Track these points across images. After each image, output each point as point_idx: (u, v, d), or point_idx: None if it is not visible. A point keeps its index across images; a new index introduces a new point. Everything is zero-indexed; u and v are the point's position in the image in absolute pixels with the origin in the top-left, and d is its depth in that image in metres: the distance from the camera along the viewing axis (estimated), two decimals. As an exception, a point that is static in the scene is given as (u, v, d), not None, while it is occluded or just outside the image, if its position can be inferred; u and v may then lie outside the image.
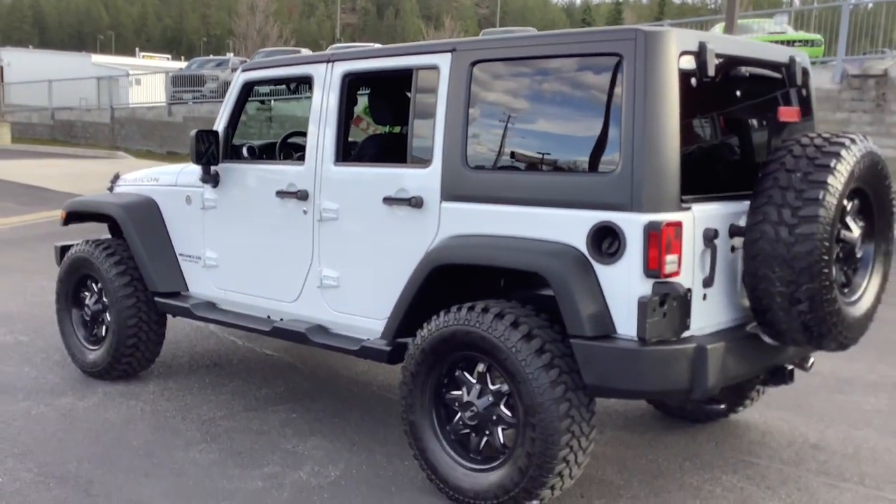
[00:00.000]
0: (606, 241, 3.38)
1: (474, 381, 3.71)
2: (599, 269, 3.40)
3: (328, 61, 4.44)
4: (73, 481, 3.98)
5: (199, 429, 4.66)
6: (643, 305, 3.25)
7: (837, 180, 3.36)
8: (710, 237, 3.44)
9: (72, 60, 55.08)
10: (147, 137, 28.22)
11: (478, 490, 3.65)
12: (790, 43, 17.58)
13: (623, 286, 3.34)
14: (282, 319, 4.65)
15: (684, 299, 3.34)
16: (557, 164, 3.63)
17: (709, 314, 3.53)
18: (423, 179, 3.94)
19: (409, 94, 4.19)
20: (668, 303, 3.29)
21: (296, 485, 3.98)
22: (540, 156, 3.69)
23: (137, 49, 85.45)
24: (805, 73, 4.14)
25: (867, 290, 3.78)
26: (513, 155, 3.76)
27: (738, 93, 3.82)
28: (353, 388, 5.40)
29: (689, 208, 3.38)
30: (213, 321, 5.02)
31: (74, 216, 5.79)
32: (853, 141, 3.50)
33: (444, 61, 3.92)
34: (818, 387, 5.53)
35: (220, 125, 4.94)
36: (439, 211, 3.89)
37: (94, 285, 5.50)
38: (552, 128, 3.67)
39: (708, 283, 3.48)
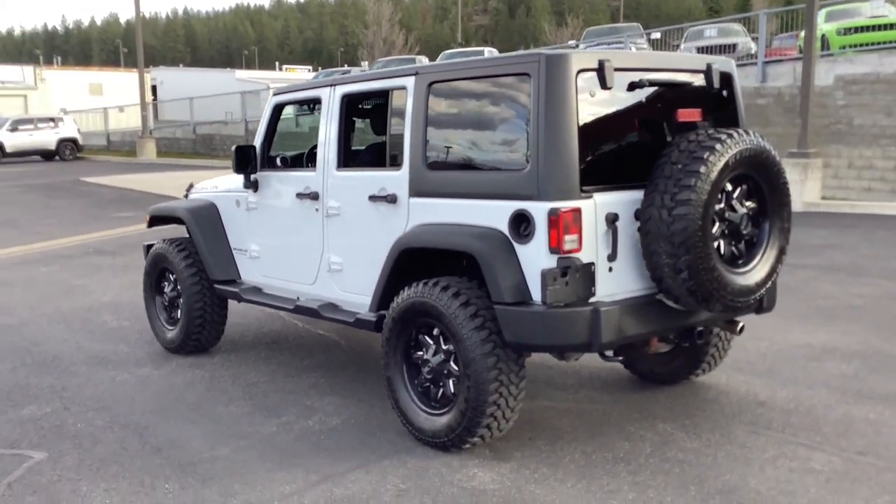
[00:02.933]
0: (522, 225, 4.16)
1: (431, 342, 4.55)
2: (518, 248, 4.18)
3: (331, 85, 5.38)
4: (133, 426, 5.08)
5: (242, 390, 5.70)
6: (544, 276, 4.01)
7: (710, 170, 4.02)
8: (611, 220, 4.18)
9: (218, 76, 58.69)
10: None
11: (434, 430, 4.50)
12: (890, 26, 17.34)
13: (534, 261, 4.12)
14: (305, 299, 5.62)
15: (587, 271, 4.10)
16: (487, 163, 4.43)
17: (616, 283, 4.24)
18: (397, 179, 4.81)
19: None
20: (571, 274, 4.05)
21: (302, 429, 4.94)
22: (475, 156, 4.50)
23: (278, 62, 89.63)
24: (727, 77, 4.77)
25: (762, 261, 4.40)
26: (456, 156, 4.59)
27: (647, 99, 4.48)
28: (379, 360, 6.31)
29: (589, 196, 4.12)
30: (255, 302, 6.05)
31: (157, 220, 6.97)
32: (730, 136, 4.14)
33: (410, 83, 4.78)
34: (799, 356, 6.06)
35: (257, 140, 5.96)
36: (408, 205, 4.75)
37: (170, 276, 6.64)
38: (484, 133, 4.47)
39: (612, 258, 4.21)
